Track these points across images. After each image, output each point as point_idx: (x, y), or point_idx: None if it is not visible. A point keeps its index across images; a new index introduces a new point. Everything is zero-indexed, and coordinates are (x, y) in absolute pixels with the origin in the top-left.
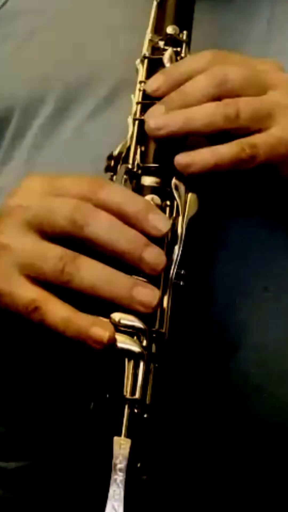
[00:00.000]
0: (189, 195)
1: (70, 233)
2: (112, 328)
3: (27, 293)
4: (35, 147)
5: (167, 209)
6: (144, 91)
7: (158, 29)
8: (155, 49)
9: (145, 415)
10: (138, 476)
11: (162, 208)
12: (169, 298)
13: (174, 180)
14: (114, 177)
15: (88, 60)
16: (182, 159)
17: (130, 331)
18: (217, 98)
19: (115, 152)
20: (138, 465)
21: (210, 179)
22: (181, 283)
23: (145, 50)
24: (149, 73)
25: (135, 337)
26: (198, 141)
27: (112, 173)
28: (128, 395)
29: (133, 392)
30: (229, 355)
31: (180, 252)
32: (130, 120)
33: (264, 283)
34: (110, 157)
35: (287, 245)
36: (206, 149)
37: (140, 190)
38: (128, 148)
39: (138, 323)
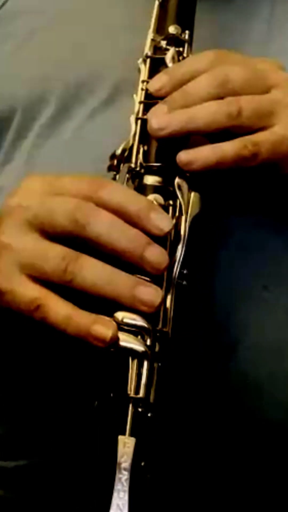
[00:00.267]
0: (192, 194)
1: (71, 232)
2: (115, 326)
3: (28, 291)
4: (36, 147)
5: (170, 208)
6: (146, 90)
7: (160, 28)
8: (157, 48)
9: (149, 414)
10: (142, 475)
11: (165, 208)
12: (172, 298)
13: (177, 180)
14: (117, 176)
15: (88, 60)
16: (184, 156)
17: (134, 330)
18: (219, 98)
19: (118, 151)
20: (142, 464)
21: (213, 178)
22: (184, 283)
23: (147, 50)
24: (151, 73)
25: (138, 336)
26: (200, 140)
27: (114, 172)
28: (132, 394)
29: (137, 391)
30: (230, 354)
31: (183, 251)
32: (132, 119)
33: (264, 283)
34: (112, 156)
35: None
36: (208, 147)
37: (142, 189)
38: (131, 147)
39: (141, 322)
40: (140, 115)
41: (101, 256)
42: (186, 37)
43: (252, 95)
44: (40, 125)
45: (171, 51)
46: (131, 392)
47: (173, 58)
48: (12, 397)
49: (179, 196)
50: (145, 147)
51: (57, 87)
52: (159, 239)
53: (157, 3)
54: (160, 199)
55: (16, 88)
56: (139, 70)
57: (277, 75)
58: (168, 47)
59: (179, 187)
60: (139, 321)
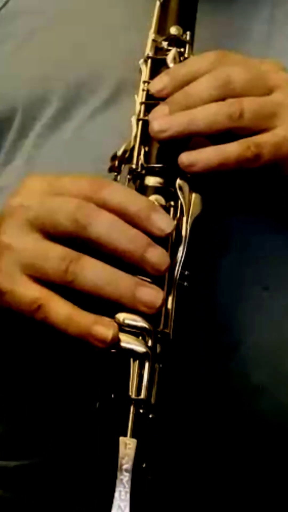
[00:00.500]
0: (193, 195)
1: (72, 233)
2: (116, 327)
3: (29, 291)
4: (36, 147)
5: (171, 209)
6: (147, 91)
7: (161, 29)
8: (158, 49)
9: (150, 415)
10: (143, 476)
11: (166, 209)
12: (173, 299)
13: (178, 181)
14: (118, 177)
15: (88, 60)
16: (186, 158)
17: (135, 331)
18: (221, 99)
19: (119, 152)
20: (144, 465)
21: (214, 180)
22: (185, 284)
23: (149, 50)
24: (153, 74)
25: (140, 337)
26: (201, 141)
27: (115, 173)
28: (133, 395)
29: (138, 392)
30: (230, 355)
31: (184, 252)
32: (133, 120)
33: (264, 283)
34: (114, 157)
35: None
36: (210, 148)
37: (143, 190)
38: (132, 148)
39: (142, 323)
40: (141, 116)
41: (102, 256)
42: (187, 37)
43: (254, 97)
44: (41, 125)
45: (172, 51)
46: (132, 393)
47: (174, 59)
48: (13, 397)
49: (180, 197)
50: (146, 148)
51: (57, 87)
52: (160, 240)
53: (158, 3)
54: (161, 200)
55: (16, 88)
56: (140, 71)
57: (278, 76)
58: (169, 47)
59: (180, 188)
60: (140, 322)
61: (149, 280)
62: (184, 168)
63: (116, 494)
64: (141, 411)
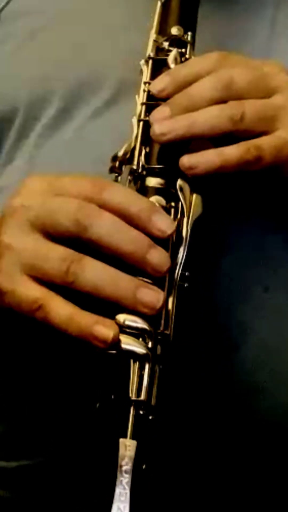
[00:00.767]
0: (194, 196)
1: (73, 233)
2: (117, 327)
3: (30, 291)
4: (37, 147)
5: (172, 210)
6: (148, 91)
7: (162, 29)
8: (159, 49)
9: (151, 417)
10: (143, 477)
11: (167, 210)
12: (174, 300)
13: (179, 182)
14: (119, 178)
15: (89, 60)
16: (187, 160)
17: (135, 333)
18: (223, 100)
19: (120, 153)
20: (144, 466)
21: (215, 180)
22: (186, 285)
23: (150, 51)
24: (154, 74)
25: (140, 339)
26: (202, 142)
27: (116, 174)
28: (133, 397)
29: (138, 393)
30: (231, 356)
31: (185, 253)
32: (134, 121)
33: (265, 284)
34: (114, 158)
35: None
36: (211, 151)
37: (144, 191)
38: (133, 149)
39: (143, 325)
40: (142, 116)
41: (103, 257)
42: (189, 38)
43: (255, 99)
44: (42, 125)
45: (174, 52)
46: (132, 394)
47: (175, 59)
48: (14, 398)
49: (181, 198)
50: (147, 149)
51: (58, 87)
52: (161, 241)
53: (159, 3)
54: (162, 201)
55: (17, 88)
56: (141, 72)
57: (280, 78)
58: (170, 48)
59: (181, 189)
60: (140, 323)
61: (149, 281)
62: (185, 170)
63: (116, 495)
64: (141, 412)
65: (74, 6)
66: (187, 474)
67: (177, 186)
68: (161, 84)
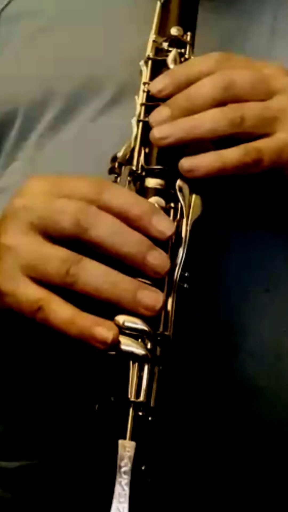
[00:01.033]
0: (193, 197)
1: (74, 235)
2: (116, 328)
3: (30, 292)
4: (38, 148)
5: (171, 211)
6: (148, 92)
7: (162, 30)
8: (159, 50)
9: (150, 418)
10: (142, 479)
11: (166, 210)
12: (173, 301)
13: (178, 182)
14: (118, 179)
15: (89, 61)
16: (186, 163)
17: (135, 334)
18: (223, 101)
19: (119, 154)
20: (143, 468)
21: (215, 181)
22: (185, 286)
23: (149, 51)
24: (153, 74)
25: (139, 340)
26: (202, 143)
27: (116, 175)
28: (132, 398)
29: (137, 395)
30: (231, 357)
31: (184, 254)
32: (134, 121)
33: (265, 284)
34: (114, 158)
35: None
36: (211, 154)
37: (144, 192)
38: (132, 150)
39: (142, 326)
40: (141, 117)
41: (103, 259)
42: (188, 38)
43: (255, 102)
44: (43, 126)
45: (173, 52)
46: (131, 396)
47: (175, 59)
48: (13, 398)
49: (181, 199)
50: (147, 150)
51: (59, 88)
52: (161, 242)
53: (159, 4)
54: (162, 202)
55: (18, 89)
56: (140, 72)
57: (280, 80)
58: (169, 48)
59: (181, 190)
60: (140, 324)
61: (149, 282)
62: (184, 173)
63: (115, 496)
64: (140, 413)
65: (75, 7)
66: (186, 475)
67: (177, 187)
68: (160, 84)
